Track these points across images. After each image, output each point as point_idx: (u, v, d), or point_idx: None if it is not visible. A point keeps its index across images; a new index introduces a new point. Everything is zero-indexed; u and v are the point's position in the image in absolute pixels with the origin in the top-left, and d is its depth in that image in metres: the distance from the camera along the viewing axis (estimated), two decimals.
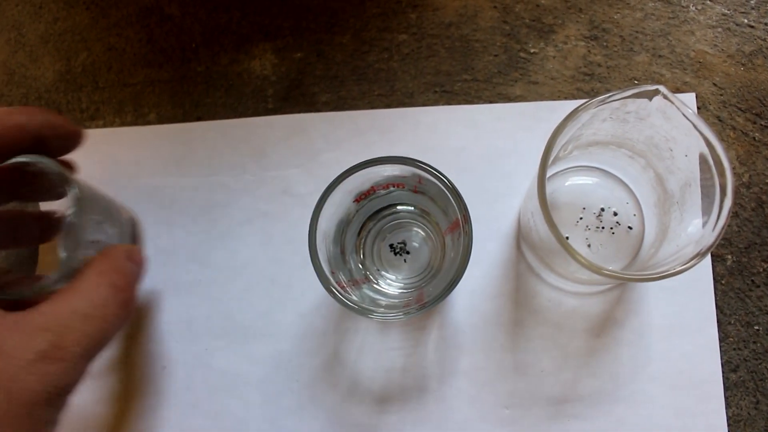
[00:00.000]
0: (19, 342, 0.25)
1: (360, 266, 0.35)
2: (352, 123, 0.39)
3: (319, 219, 0.30)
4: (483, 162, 0.38)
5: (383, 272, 0.36)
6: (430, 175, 0.30)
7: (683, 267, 0.27)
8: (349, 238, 0.35)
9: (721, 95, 0.38)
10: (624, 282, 0.36)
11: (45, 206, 0.39)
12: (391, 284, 0.36)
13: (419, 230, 0.37)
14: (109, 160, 0.41)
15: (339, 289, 0.29)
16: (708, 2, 0.39)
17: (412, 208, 0.36)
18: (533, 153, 0.38)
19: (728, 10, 0.39)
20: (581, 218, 0.37)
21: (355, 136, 0.38)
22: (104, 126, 0.42)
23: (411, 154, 0.38)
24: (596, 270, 0.27)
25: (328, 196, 0.30)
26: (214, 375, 0.37)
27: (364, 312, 0.29)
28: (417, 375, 0.36)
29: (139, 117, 0.42)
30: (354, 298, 0.31)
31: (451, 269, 0.29)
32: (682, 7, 0.39)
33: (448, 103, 0.39)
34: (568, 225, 0.37)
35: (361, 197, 0.33)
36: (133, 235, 0.40)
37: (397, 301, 0.34)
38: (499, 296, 0.36)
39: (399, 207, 0.36)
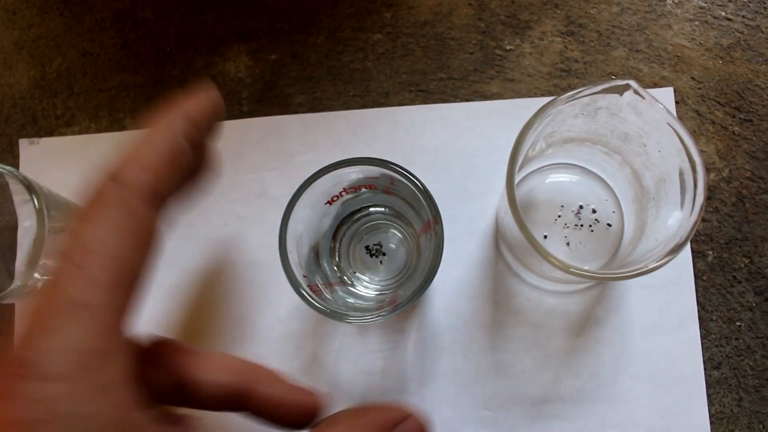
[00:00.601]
0: None
1: (335, 269, 0.35)
2: (327, 124, 0.38)
3: (290, 222, 0.29)
4: (460, 161, 0.37)
5: (359, 274, 0.36)
6: (401, 176, 0.29)
7: (657, 264, 0.27)
8: (323, 241, 0.34)
9: (700, 89, 0.38)
10: (602, 281, 0.36)
11: (20, 216, 0.39)
12: (367, 286, 0.36)
13: (395, 231, 0.36)
14: (85, 166, 0.41)
15: (310, 293, 0.29)
16: None
17: (387, 209, 0.36)
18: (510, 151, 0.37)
19: (705, 3, 0.39)
20: (560, 216, 0.36)
21: (331, 137, 0.38)
22: (80, 132, 0.41)
23: (387, 154, 0.38)
24: (566, 269, 0.27)
25: (298, 199, 0.29)
26: None
27: (334, 316, 0.28)
28: (396, 377, 0.36)
29: (114, 122, 0.41)
30: (329, 299, 0.30)
31: (424, 270, 0.29)
32: (659, 0, 0.39)
33: (424, 102, 0.38)
34: (547, 223, 0.36)
35: (333, 199, 0.32)
36: None
37: (372, 303, 0.34)
38: (477, 296, 0.36)
39: (373, 209, 0.36)
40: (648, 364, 0.35)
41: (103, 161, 0.42)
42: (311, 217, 0.32)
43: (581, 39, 0.39)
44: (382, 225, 0.36)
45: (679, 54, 0.38)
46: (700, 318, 0.35)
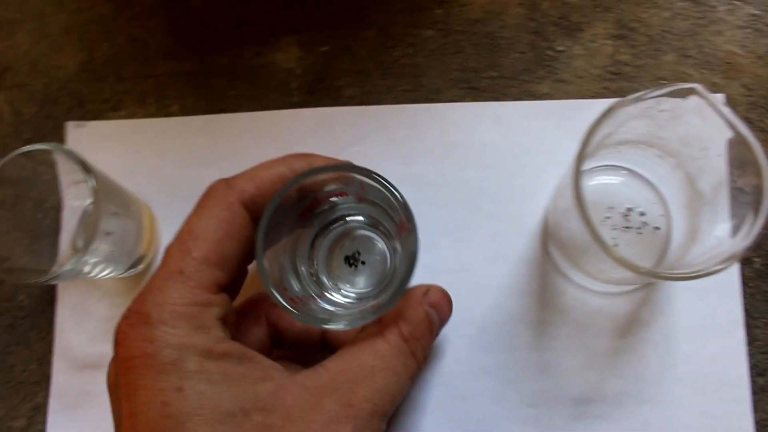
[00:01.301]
0: (309, 405, 0.24)
1: (314, 281, 0.34)
2: (378, 118, 0.38)
3: (265, 238, 0.27)
4: (508, 159, 0.38)
5: (339, 284, 0.35)
6: (367, 177, 0.28)
7: (718, 267, 0.27)
8: (301, 254, 0.33)
9: (750, 96, 0.38)
10: (651, 283, 0.36)
11: (67, 197, 0.39)
12: (347, 295, 0.35)
13: (372, 237, 0.35)
14: (131, 151, 0.41)
15: (292, 305, 0.27)
16: (737, 2, 0.39)
17: (362, 217, 0.35)
18: (559, 151, 0.37)
19: (758, 10, 0.39)
20: (608, 217, 0.36)
21: (381, 130, 0.38)
22: (127, 117, 0.42)
23: (436, 149, 0.38)
24: (632, 267, 0.27)
25: (270, 213, 0.27)
26: None
27: (317, 322, 0.27)
28: (441, 373, 0.36)
29: (161, 108, 0.41)
30: (312, 309, 0.29)
31: (401, 271, 0.28)
32: (711, 7, 0.39)
33: (475, 99, 0.39)
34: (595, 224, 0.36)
35: (306, 211, 0.31)
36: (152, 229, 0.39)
37: (355, 312, 0.32)
38: (525, 294, 0.36)
39: (348, 218, 0.35)
40: (692, 367, 0.35)
41: (149, 146, 0.42)
42: (286, 230, 0.31)
43: (632, 42, 0.39)
44: (359, 233, 0.35)
45: (730, 61, 0.38)
46: (746, 324, 0.35)
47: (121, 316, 0.25)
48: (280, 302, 0.26)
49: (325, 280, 0.34)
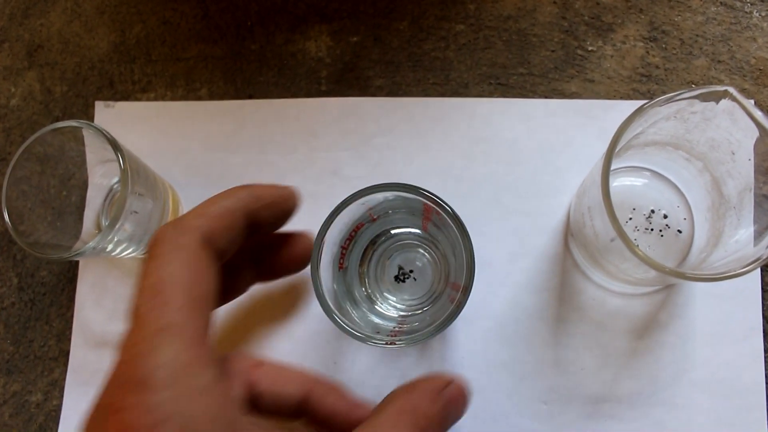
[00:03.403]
0: None
1: (363, 288, 0.35)
2: (405, 110, 0.39)
3: (323, 247, 0.30)
4: (535, 156, 0.38)
5: (386, 294, 0.36)
6: (449, 217, 0.29)
7: (742, 270, 0.27)
8: (352, 260, 0.34)
9: None
10: (670, 285, 0.36)
11: (93, 176, 0.40)
12: (393, 306, 0.36)
13: (424, 252, 0.36)
14: (159, 132, 0.41)
15: (339, 315, 0.29)
16: None
17: (418, 231, 0.36)
18: (586, 150, 0.37)
19: None
20: (630, 218, 0.36)
21: (409, 122, 0.38)
22: (155, 99, 0.42)
23: (463, 144, 0.38)
24: (656, 266, 0.27)
25: (330, 224, 0.30)
26: (251, 351, 0.37)
27: (358, 338, 0.29)
28: (457, 365, 0.36)
29: (190, 92, 0.42)
30: (354, 315, 0.31)
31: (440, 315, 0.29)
32: (745, 12, 0.39)
33: (503, 95, 0.39)
34: None
35: (360, 225, 0.33)
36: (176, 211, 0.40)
37: (394, 324, 0.34)
38: (543, 290, 0.36)
39: (393, 231, 0.36)
40: (708, 371, 0.35)
41: (177, 129, 0.42)
42: (341, 238, 0.33)
43: (663, 45, 0.39)
44: (412, 245, 0.36)
45: (762, 67, 0.38)
46: (764, 331, 0.35)
47: (107, 383, 0.21)
48: (337, 319, 0.28)
49: (374, 288, 0.35)
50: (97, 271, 0.40)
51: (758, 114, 0.28)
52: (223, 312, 0.38)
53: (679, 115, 0.30)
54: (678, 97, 0.28)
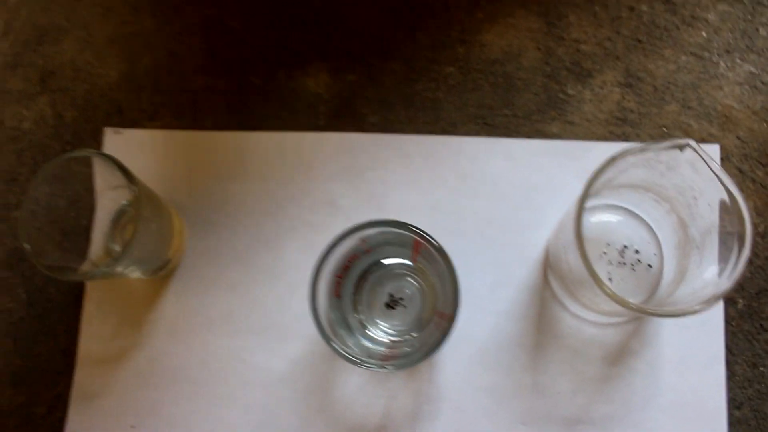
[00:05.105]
0: None
1: (356, 315, 0.37)
2: (398, 145, 0.41)
3: (319, 283, 0.32)
4: (517, 193, 0.40)
5: (378, 320, 0.38)
6: (436, 251, 0.32)
7: (701, 307, 0.30)
8: (346, 289, 0.37)
9: (744, 149, 0.41)
10: (642, 316, 0.39)
11: (101, 200, 0.42)
12: (384, 331, 0.38)
13: (412, 281, 0.38)
14: (165, 159, 0.44)
15: (337, 341, 0.32)
16: (738, 60, 0.42)
17: (410, 263, 0.38)
18: (565, 188, 0.40)
19: (756, 69, 0.42)
20: (605, 253, 0.39)
21: (400, 158, 0.41)
22: (162, 127, 0.44)
23: (450, 179, 0.41)
24: (622, 302, 0.30)
25: (325, 259, 0.32)
26: (248, 369, 0.40)
27: (353, 362, 0.31)
28: (440, 386, 0.38)
29: (196, 121, 0.44)
30: (347, 342, 0.33)
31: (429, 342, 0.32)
32: (713, 63, 0.42)
33: (489, 134, 0.41)
34: (592, 259, 0.38)
35: (355, 256, 0.35)
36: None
37: (384, 349, 0.36)
38: (523, 319, 0.39)
39: (384, 261, 0.38)
40: (675, 397, 0.38)
41: (182, 156, 0.42)
42: (337, 268, 0.35)
43: (638, 91, 0.42)
44: (402, 275, 0.39)
45: (727, 114, 0.41)
46: (726, 360, 0.38)
47: None
48: (336, 347, 0.30)
49: (366, 315, 0.38)
50: (103, 290, 0.42)
51: (715, 165, 0.31)
52: (218, 330, 0.40)
53: (648, 164, 0.33)
54: (646, 149, 0.31)
